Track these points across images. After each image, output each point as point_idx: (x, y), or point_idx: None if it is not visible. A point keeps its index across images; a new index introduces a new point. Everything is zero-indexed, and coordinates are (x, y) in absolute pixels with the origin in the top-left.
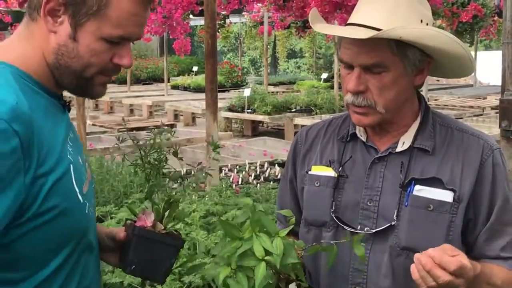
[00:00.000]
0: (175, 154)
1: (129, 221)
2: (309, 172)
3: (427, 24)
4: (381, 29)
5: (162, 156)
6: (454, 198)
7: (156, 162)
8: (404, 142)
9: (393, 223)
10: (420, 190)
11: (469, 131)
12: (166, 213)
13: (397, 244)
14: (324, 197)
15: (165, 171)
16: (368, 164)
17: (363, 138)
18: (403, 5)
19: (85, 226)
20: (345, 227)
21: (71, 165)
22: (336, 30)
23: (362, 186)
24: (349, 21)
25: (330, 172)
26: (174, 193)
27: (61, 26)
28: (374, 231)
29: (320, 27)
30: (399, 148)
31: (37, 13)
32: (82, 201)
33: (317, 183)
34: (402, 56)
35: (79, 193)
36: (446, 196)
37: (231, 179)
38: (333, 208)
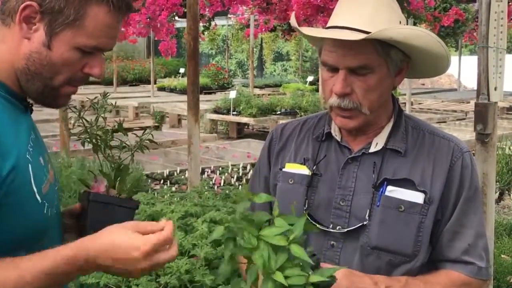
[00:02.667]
0: (120, 128)
1: (82, 191)
2: (283, 170)
3: (404, 25)
4: (367, 31)
5: (108, 129)
6: (425, 200)
7: (103, 135)
8: (377, 143)
9: (364, 222)
10: (392, 191)
11: (440, 134)
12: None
13: (367, 244)
14: (298, 195)
15: (147, 172)
16: (341, 164)
17: (338, 138)
18: (384, 7)
19: (44, 225)
20: (317, 225)
21: (30, 165)
22: (323, 32)
23: (335, 186)
24: (330, 24)
25: (304, 170)
26: (121, 160)
27: (35, 33)
28: (345, 230)
29: (307, 29)
30: (372, 149)
31: (11, 19)
32: (40, 201)
33: (291, 181)
34: (386, 57)
35: (37, 193)
36: (417, 197)
37: (213, 180)
38: (306, 206)
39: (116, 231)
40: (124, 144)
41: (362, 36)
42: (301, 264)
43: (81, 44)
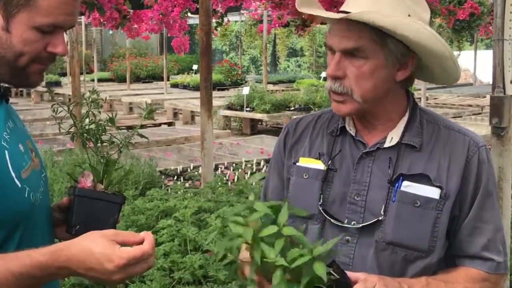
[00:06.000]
0: (112, 121)
1: (69, 185)
2: (297, 164)
3: None
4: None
5: (100, 124)
6: (440, 195)
7: (94, 130)
8: (392, 138)
9: (380, 218)
10: (408, 186)
11: (455, 128)
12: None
13: (382, 239)
14: (313, 190)
15: (161, 168)
16: (356, 159)
17: (352, 132)
18: None
19: (26, 208)
20: (332, 220)
21: (6, 152)
22: (315, 11)
23: (350, 180)
24: (339, 10)
25: (319, 165)
26: (109, 155)
27: None
28: (361, 225)
29: (305, 8)
30: (387, 144)
31: None
32: (20, 185)
33: (305, 175)
34: (383, 45)
35: (16, 178)
36: (433, 192)
37: (227, 176)
38: (321, 201)
39: (95, 240)
40: (113, 140)
41: (345, 15)
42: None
43: (38, 24)
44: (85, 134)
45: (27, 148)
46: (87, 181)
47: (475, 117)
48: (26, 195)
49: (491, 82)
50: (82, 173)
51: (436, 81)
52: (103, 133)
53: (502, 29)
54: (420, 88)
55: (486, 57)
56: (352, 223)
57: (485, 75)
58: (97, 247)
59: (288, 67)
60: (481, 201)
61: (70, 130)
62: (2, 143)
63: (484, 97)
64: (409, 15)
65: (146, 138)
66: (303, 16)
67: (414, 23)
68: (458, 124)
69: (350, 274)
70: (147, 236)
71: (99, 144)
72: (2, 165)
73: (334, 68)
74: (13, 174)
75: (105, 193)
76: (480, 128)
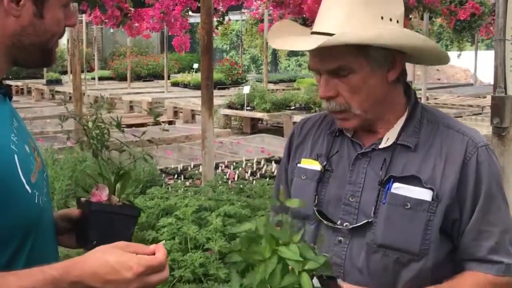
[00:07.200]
0: (118, 126)
1: (83, 199)
2: (298, 165)
3: (390, 20)
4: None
5: (104, 130)
6: (432, 197)
7: (99, 137)
8: (389, 139)
9: (370, 219)
10: (398, 188)
11: (455, 127)
12: (118, 185)
13: (373, 241)
14: (309, 191)
15: (161, 167)
16: (352, 160)
17: (349, 134)
18: (358, 6)
19: (36, 216)
20: (325, 221)
21: (16, 156)
22: (287, 44)
23: (345, 181)
24: (313, 29)
25: (316, 165)
26: (122, 166)
27: (23, 9)
28: (351, 227)
29: (277, 42)
30: (382, 145)
31: None
32: (30, 191)
33: (303, 176)
34: (365, 55)
35: (26, 184)
36: (424, 194)
37: (227, 175)
38: (316, 202)
39: (108, 251)
40: (123, 148)
41: (317, 43)
42: None
43: (66, 0)
44: (94, 142)
45: (31, 148)
46: (103, 195)
47: (476, 117)
48: (36, 201)
49: (491, 83)
50: (95, 185)
51: (428, 63)
52: (108, 138)
53: (504, 29)
54: (420, 88)
55: (486, 57)
56: (345, 224)
57: (486, 76)
58: (112, 256)
59: (289, 66)
60: (484, 204)
61: (80, 140)
62: (11, 146)
63: (485, 97)
64: (382, 18)
65: (154, 143)
66: (304, 16)
67: (382, 30)
68: (460, 123)
69: (345, 286)
70: (160, 248)
71: (106, 150)
72: (12, 172)
73: (325, 89)
74: (23, 180)
75: (121, 206)
76: (481, 128)
